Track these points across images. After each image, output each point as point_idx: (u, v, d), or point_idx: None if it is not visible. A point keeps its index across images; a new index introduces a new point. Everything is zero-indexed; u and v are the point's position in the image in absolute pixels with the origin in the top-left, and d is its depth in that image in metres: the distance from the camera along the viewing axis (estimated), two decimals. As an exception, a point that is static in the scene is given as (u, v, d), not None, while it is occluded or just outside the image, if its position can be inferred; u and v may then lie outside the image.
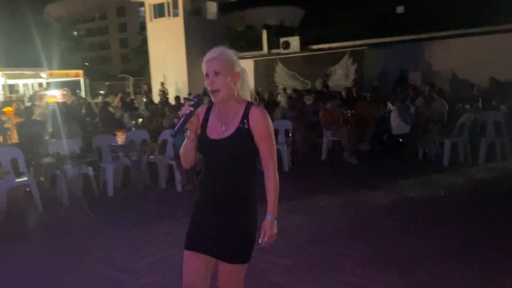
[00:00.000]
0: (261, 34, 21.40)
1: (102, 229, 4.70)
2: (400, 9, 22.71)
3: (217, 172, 1.97)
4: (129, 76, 28.99)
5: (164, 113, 8.82)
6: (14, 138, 9.75)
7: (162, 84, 18.57)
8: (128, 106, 10.65)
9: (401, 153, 7.44)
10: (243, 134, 1.93)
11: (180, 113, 1.93)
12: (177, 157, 6.22)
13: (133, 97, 19.82)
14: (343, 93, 10.53)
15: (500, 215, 4.61)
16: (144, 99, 16.96)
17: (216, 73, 1.90)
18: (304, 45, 17.78)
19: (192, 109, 1.91)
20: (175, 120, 2.01)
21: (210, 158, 2.00)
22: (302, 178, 6.83)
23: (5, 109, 14.86)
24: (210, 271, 2.05)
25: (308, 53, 17.15)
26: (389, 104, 8.19)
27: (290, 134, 7.50)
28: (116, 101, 15.44)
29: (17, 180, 5.45)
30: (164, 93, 16.89)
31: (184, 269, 2.02)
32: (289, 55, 17.35)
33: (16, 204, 5.63)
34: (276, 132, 7.34)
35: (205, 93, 2.10)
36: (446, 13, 18.43)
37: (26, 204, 5.68)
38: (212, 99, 1.96)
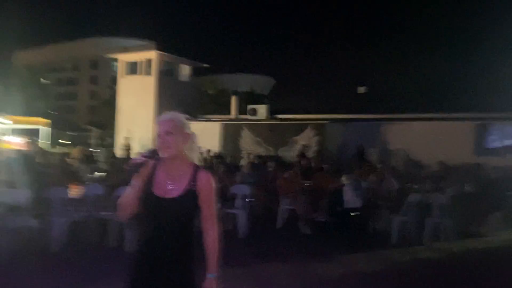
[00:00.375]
0: (230, 99, 22.16)
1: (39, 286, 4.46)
2: (361, 89, 24.30)
3: (162, 230, 2.02)
4: (94, 128, 28.73)
5: (124, 168, 8.75)
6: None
7: (127, 139, 18.49)
8: (88, 159, 10.50)
9: (353, 226, 7.64)
10: (191, 195, 2.05)
11: (132, 161, 2.06)
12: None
13: (93, 149, 19.51)
14: (299, 160, 10.88)
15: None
16: (106, 153, 16.75)
17: (168, 133, 2.06)
18: (271, 113, 18.52)
19: (144, 159, 2.04)
20: (126, 167, 2.13)
21: (155, 216, 2.04)
22: (256, 244, 6.82)
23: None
24: None
25: (273, 122, 17.81)
26: (343, 178, 8.53)
27: (247, 200, 7.60)
28: (75, 152, 15.16)
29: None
30: (127, 148, 16.77)
31: None
32: (256, 122, 17.94)
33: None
34: (234, 196, 7.47)
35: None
36: (405, 97, 19.91)
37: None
38: (161, 155, 2.06)
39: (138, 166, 2.05)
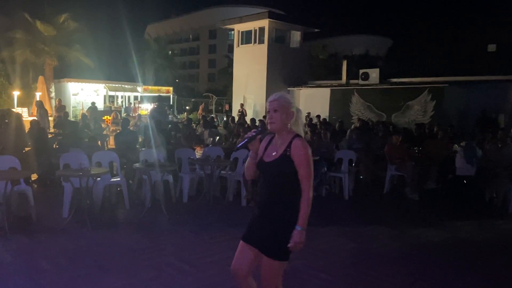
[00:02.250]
0: (341, 63, 21.85)
1: (175, 229, 5.50)
2: (491, 48, 21.81)
3: (267, 186, 2.59)
4: (213, 95, 30.92)
5: (239, 133, 9.63)
6: (110, 143, 11.26)
7: (242, 105, 19.71)
8: (209, 124, 11.68)
9: (466, 194, 7.40)
10: (286, 159, 2.50)
11: (246, 135, 2.64)
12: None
13: (213, 115, 21.20)
14: (414, 129, 10.57)
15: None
16: (225, 118, 18.16)
17: (275, 110, 2.53)
18: (383, 77, 17.88)
19: (254, 134, 2.60)
20: (240, 139, 2.74)
21: (263, 176, 2.64)
22: (360, 207, 7.11)
23: (105, 117, 16.96)
24: (255, 263, 2.60)
25: (386, 86, 17.21)
26: (455, 145, 8.16)
27: (353, 164, 7.85)
28: (200, 109, 16.77)
29: (111, 179, 6.50)
30: (242, 114, 17.95)
31: (236, 255, 2.64)
32: (367, 87, 17.55)
33: (109, 199, 6.68)
34: (340, 161, 7.78)
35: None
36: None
37: (117, 201, 6.72)
38: (269, 129, 2.59)
39: (250, 139, 2.57)
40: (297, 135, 2.55)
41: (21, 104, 18.45)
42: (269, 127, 2.57)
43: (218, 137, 10.33)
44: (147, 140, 7.82)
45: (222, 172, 7.04)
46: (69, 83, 23.22)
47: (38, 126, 8.40)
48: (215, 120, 16.62)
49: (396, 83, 17.30)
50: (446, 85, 15.05)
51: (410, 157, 8.05)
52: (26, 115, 16.18)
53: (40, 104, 14.80)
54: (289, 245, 2.44)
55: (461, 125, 13.38)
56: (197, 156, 7.39)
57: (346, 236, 5.36)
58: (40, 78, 19.78)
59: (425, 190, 7.98)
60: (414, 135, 10.17)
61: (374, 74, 17.88)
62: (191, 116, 19.29)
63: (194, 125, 11.94)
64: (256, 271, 2.62)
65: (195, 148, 7.49)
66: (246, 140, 2.59)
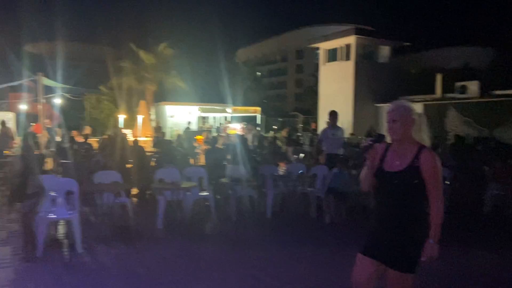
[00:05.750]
0: (435, 77, 20.63)
1: (259, 243, 5.62)
2: None
3: (389, 197, 2.49)
4: (299, 114, 31.13)
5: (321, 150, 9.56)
6: (201, 161, 11.91)
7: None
8: (293, 142, 11.80)
9: None
10: (413, 170, 2.42)
11: (362, 145, 2.64)
12: (329, 191, 6.85)
13: (299, 133, 21.30)
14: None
15: None
16: (310, 135, 18.16)
17: (393, 121, 2.49)
18: (485, 90, 16.49)
19: (371, 143, 2.56)
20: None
21: (384, 186, 2.52)
22: (457, 228, 6.56)
23: (197, 137, 18.03)
24: (377, 277, 2.54)
25: (487, 99, 15.83)
26: None
27: (446, 182, 7.31)
28: (284, 132, 17.03)
29: (200, 194, 6.89)
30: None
31: (355, 270, 2.57)
32: (466, 100, 16.31)
33: (197, 213, 7.06)
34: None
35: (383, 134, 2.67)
36: None
37: (204, 214, 7.08)
38: (390, 139, 2.56)
39: (366, 148, 2.52)
40: (424, 146, 2.47)
41: (126, 126, 20.42)
42: (391, 137, 2.54)
43: (303, 155, 10.38)
44: (234, 157, 8.16)
45: (308, 188, 7.05)
46: (166, 106, 25.20)
47: (138, 146, 9.24)
48: (300, 138, 16.72)
49: (500, 96, 15.82)
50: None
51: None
52: (130, 136, 17.84)
53: (157, 129, 15.99)
54: (422, 258, 2.40)
55: None
56: (281, 172, 7.50)
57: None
58: (142, 102, 21.76)
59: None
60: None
61: (473, 86, 16.64)
62: (277, 134, 19.62)
63: (279, 142, 12.15)
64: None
65: (279, 165, 7.62)
66: (363, 148, 2.56)
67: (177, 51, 25.28)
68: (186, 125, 21.00)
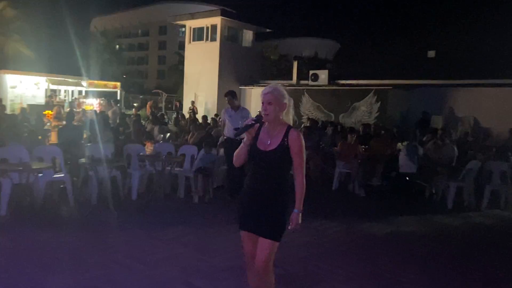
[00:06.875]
0: (292, 64, 22.21)
1: (123, 226, 5.31)
2: (431, 54, 23.10)
3: (261, 173, 2.71)
4: (162, 92, 30.25)
5: (189, 130, 9.50)
6: (53, 139, 10.67)
7: (193, 102, 19.47)
8: (159, 120, 11.42)
9: (409, 191, 7.80)
10: (283, 149, 2.65)
11: (245, 122, 2.74)
12: (197, 171, 6.84)
13: (163, 112, 20.77)
14: (360, 129, 10.98)
15: (493, 259, 4.86)
16: (174, 115, 17.84)
17: (269, 103, 2.66)
18: (332, 79, 18.41)
19: (253, 122, 2.70)
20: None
21: (257, 163, 2.73)
22: (310, 203, 7.24)
23: (46, 112, 16.05)
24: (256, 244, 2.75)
25: (334, 87, 17.72)
26: (399, 144, 8.57)
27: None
28: (148, 106, 16.39)
29: (54, 176, 6.16)
30: (193, 111, 17.73)
31: (244, 243, 2.82)
32: (316, 87, 17.99)
33: (51, 196, 6.32)
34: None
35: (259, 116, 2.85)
36: (475, 62, 18.67)
37: (60, 198, 6.38)
38: (264, 120, 2.71)
39: (247, 127, 2.68)
40: (291, 126, 2.71)
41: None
42: (264, 118, 2.69)
43: (168, 134, 10.13)
44: (93, 135, 7.50)
45: (176, 169, 6.91)
46: (7, 75, 21.71)
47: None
48: (165, 117, 16.29)
49: (343, 85, 17.86)
50: (390, 88, 15.77)
51: (356, 155, 8.34)
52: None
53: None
54: (289, 227, 2.68)
55: (403, 125, 14.07)
56: (147, 153, 7.18)
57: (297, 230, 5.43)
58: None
59: (371, 187, 8.31)
60: (360, 134, 10.54)
61: (323, 75, 18.36)
62: (140, 112, 18.77)
63: (143, 121, 11.62)
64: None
65: (145, 144, 7.29)
66: (245, 127, 2.69)
67: (20, 13, 21.90)
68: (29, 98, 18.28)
